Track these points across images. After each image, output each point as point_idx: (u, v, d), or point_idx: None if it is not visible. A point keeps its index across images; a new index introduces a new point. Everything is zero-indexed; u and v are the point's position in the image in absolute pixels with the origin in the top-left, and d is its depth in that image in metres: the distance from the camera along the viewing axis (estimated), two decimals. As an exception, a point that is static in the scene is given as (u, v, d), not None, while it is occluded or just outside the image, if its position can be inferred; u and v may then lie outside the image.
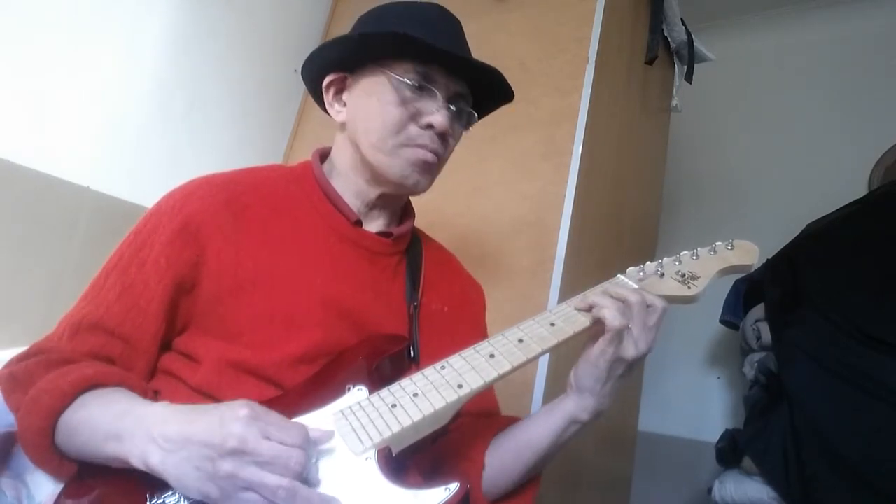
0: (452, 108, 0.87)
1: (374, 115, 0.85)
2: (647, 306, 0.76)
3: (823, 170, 2.66)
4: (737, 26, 3.12)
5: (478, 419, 0.92)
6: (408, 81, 0.83)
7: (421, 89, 0.84)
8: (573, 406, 0.79)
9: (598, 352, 0.75)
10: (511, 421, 0.88)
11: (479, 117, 0.94)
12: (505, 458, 0.83)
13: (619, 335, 0.74)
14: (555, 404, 0.82)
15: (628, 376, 0.78)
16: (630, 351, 0.74)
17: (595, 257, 1.59)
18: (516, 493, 0.86)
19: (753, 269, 0.87)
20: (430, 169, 0.88)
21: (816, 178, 2.65)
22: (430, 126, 0.85)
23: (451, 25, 0.90)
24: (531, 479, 0.87)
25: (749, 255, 0.86)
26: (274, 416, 0.62)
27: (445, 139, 0.88)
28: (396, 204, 0.95)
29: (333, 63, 0.90)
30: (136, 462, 0.61)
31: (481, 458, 0.83)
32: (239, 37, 1.71)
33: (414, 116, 0.85)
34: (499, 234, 1.48)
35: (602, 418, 0.81)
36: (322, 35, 2.01)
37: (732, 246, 0.87)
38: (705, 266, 0.85)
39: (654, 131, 2.20)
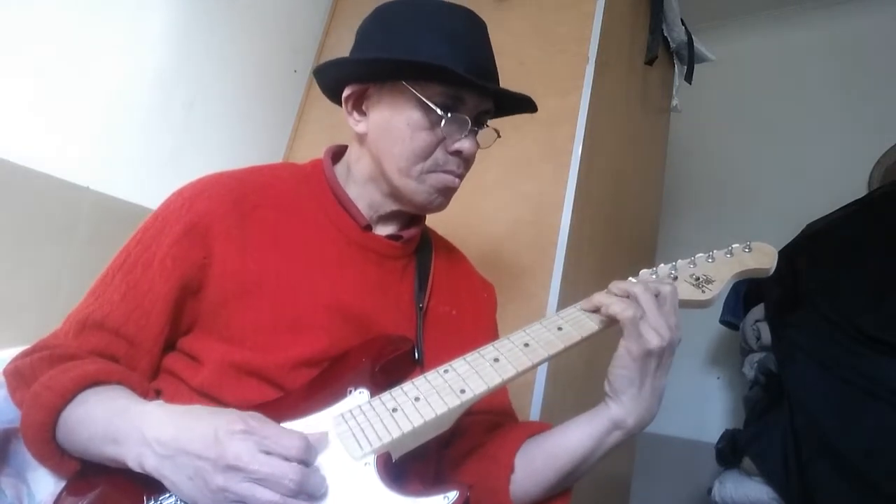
0: (478, 129, 0.86)
1: (402, 139, 0.82)
2: (656, 295, 0.74)
3: (823, 170, 2.66)
4: (737, 26, 3.12)
5: (497, 418, 0.91)
6: (438, 110, 0.81)
7: (451, 115, 0.81)
8: (616, 411, 0.74)
9: (624, 351, 0.72)
10: (544, 427, 0.85)
11: (494, 118, 0.93)
12: (536, 460, 0.79)
13: (637, 328, 0.71)
14: (597, 410, 0.77)
15: (664, 371, 0.74)
16: (653, 340, 0.71)
17: (595, 257, 1.59)
18: (545, 503, 0.81)
19: (771, 274, 0.83)
20: (453, 191, 0.88)
21: (816, 178, 2.65)
22: (457, 152, 0.84)
23: (477, 35, 0.86)
24: (561, 491, 0.82)
25: (767, 258, 0.83)
26: (270, 429, 0.61)
27: (470, 161, 0.87)
28: (409, 213, 0.93)
29: (355, 75, 0.87)
30: (133, 464, 0.61)
31: (510, 461, 0.80)
32: (239, 36, 1.70)
33: (442, 141, 0.83)
34: (499, 234, 1.48)
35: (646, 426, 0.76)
36: (322, 35, 2.01)
37: (750, 248, 0.84)
38: (720, 269, 0.82)
39: (654, 131, 2.20)
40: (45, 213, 1.25)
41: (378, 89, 0.85)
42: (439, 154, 0.84)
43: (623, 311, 0.72)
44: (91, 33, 1.34)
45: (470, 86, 0.81)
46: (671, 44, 2.15)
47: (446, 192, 0.87)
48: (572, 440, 0.77)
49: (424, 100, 0.81)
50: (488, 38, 0.88)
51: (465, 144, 0.83)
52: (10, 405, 0.74)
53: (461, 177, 0.87)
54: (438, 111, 0.81)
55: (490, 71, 0.86)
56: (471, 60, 0.81)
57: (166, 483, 0.60)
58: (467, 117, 0.83)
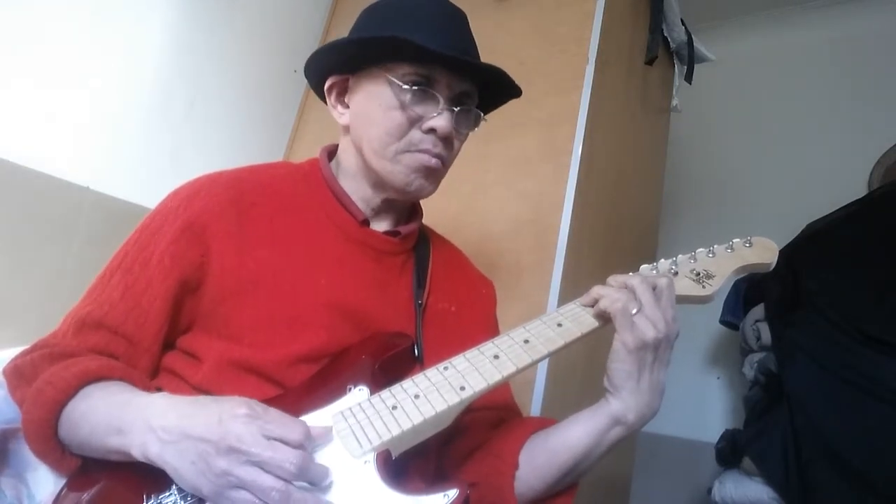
0: (455, 109, 0.84)
1: (376, 121, 0.83)
2: (653, 288, 0.74)
3: (823, 170, 2.66)
4: (737, 26, 3.12)
5: (501, 414, 0.91)
6: (406, 86, 0.81)
7: (421, 92, 0.81)
8: (616, 406, 0.74)
9: (619, 344, 0.73)
10: (547, 423, 0.85)
11: (487, 112, 0.92)
12: (539, 457, 0.80)
13: (630, 319, 0.72)
14: (597, 406, 0.77)
15: (661, 365, 0.74)
16: (649, 332, 0.71)
17: (595, 257, 1.59)
18: (549, 500, 0.81)
19: (772, 268, 0.83)
20: (434, 173, 0.87)
21: (816, 178, 2.65)
22: (432, 130, 0.83)
23: (454, 21, 0.87)
24: (566, 487, 0.82)
25: (768, 252, 0.83)
26: (273, 415, 0.61)
27: (449, 142, 0.86)
28: (403, 205, 0.93)
29: (334, 66, 0.88)
30: (137, 453, 0.61)
31: (514, 458, 0.80)
32: (239, 36, 1.71)
33: (415, 120, 0.83)
34: (499, 233, 1.48)
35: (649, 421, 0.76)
36: (322, 35, 2.01)
37: (751, 243, 0.84)
38: (721, 264, 0.82)
39: (654, 131, 2.20)
40: (45, 213, 1.26)
41: (357, 79, 0.87)
42: (414, 133, 0.83)
43: (612, 303, 0.73)
44: (91, 33, 1.34)
45: (436, 61, 0.81)
46: (671, 44, 2.15)
47: (426, 173, 0.86)
48: (572, 437, 0.78)
49: (392, 78, 0.81)
50: (468, 27, 0.89)
51: (439, 122, 0.82)
52: (9, 405, 0.74)
53: (440, 157, 0.85)
54: (406, 86, 0.81)
55: (465, 52, 0.85)
56: (441, 40, 0.81)
57: (169, 470, 0.60)
58: (438, 94, 0.82)
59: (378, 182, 0.87)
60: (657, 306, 0.73)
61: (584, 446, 0.77)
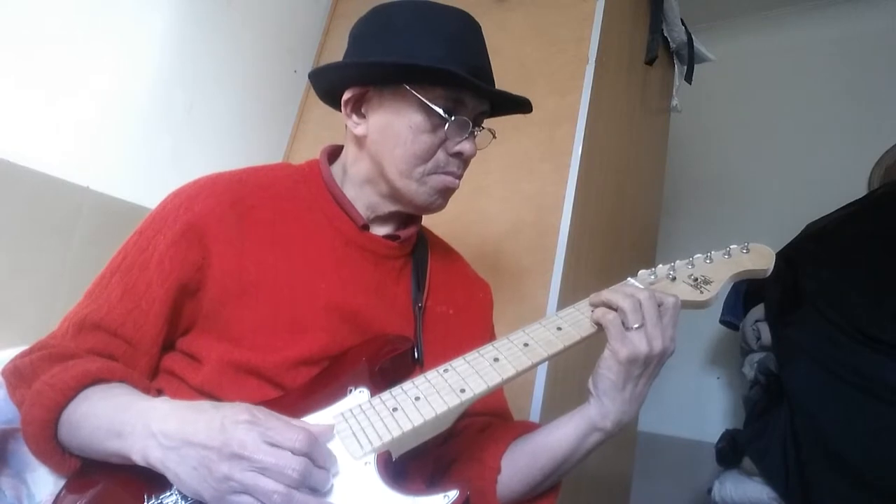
0: (476, 131, 0.86)
1: (404, 142, 0.83)
2: (659, 305, 0.74)
3: (823, 170, 2.66)
4: (737, 26, 3.12)
5: (490, 419, 0.91)
6: (441, 112, 0.81)
7: (454, 118, 0.82)
8: (595, 412, 0.76)
9: (609, 353, 0.73)
10: (531, 427, 0.86)
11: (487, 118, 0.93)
12: (520, 461, 0.81)
13: (623, 333, 0.72)
14: (577, 410, 0.79)
15: (648, 379, 0.75)
16: (643, 347, 0.72)
17: (595, 257, 1.59)
18: (532, 501, 0.83)
19: (768, 275, 0.84)
20: (452, 192, 0.89)
21: (816, 178, 2.65)
22: (458, 154, 0.84)
23: (476, 37, 0.87)
24: (549, 488, 0.84)
25: (764, 259, 0.84)
26: (274, 421, 0.61)
27: (468, 161, 0.88)
28: (406, 212, 0.93)
29: (357, 78, 0.86)
30: (137, 458, 0.61)
31: (497, 463, 0.81)
32: (239, 36, 1.70)
33: (443, 143, 0.84)
34: (499, 234, 1.48)
35: (626, 428, 0.77)
36: (322, 35, 2.01)
37: (748, 249, 0.85)
38: (718, 270, 0.83)
39: (654, 131, 2.20)
40: (45, 213, 1.26)
41: (378, 92, 0.85)
42: (440, 156, 0.84)
43: (603, 315, 0.74)
44: (91, 34, 1.34)
45: (472, 88, 0.82)
46: (671, 44, 2.15)
47: (446, 193, 0.88)
48: (552, 441, 0.79)
49: (428, 103, 0.81)
50: (484, 40, 0.89)
51: (465, 146, 0.84)
52: (8, 405, 0.74)
53: (460, 178, 0.88)
54: (442, 114, 0.81)
55: (487, 72, 0.87)
56: (470, 63, 0.82)
57: (170, 475, 0.60)
58: (468, 119, 0.83)
59: (395, 196, 0.87)
60: (659, 324, 0.73)
61: (564, 451, 0.78)
